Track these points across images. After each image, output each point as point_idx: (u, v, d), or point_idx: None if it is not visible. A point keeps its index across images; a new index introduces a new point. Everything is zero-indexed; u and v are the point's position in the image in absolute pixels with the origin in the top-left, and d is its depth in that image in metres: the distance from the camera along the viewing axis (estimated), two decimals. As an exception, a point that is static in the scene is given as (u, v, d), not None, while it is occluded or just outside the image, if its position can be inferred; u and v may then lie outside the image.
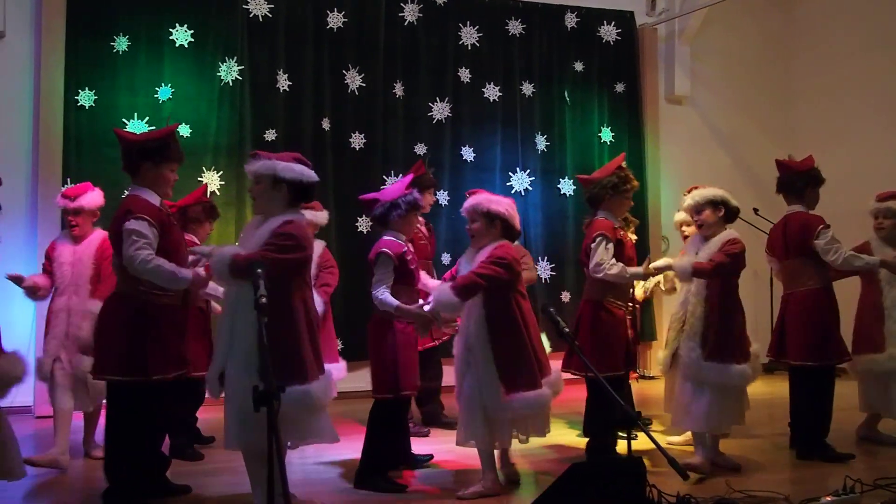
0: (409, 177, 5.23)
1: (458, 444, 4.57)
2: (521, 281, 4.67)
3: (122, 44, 7.20)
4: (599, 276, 4.99)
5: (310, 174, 4.14)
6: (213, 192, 7.20)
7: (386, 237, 4.74)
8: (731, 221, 5.24)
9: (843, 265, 5.36)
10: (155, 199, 4.32)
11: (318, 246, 5.88)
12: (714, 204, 5.16)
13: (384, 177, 8.00)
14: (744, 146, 9.75)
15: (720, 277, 4.99)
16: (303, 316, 3.98)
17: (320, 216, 5.97)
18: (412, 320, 4.65)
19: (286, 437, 3.91)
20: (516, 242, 5.66)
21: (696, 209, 5.21)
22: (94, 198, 5.28)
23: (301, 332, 3.95)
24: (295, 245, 3.95)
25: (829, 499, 4.14)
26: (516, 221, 4.69)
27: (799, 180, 5.63)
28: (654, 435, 3.60)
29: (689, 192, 5.43)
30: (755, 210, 9.06)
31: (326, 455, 5.39)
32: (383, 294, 4.59)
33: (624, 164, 5.44)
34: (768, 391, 7.88)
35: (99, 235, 5.24)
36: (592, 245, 5.03)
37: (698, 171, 9.30)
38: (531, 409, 4.48)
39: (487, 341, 4.44)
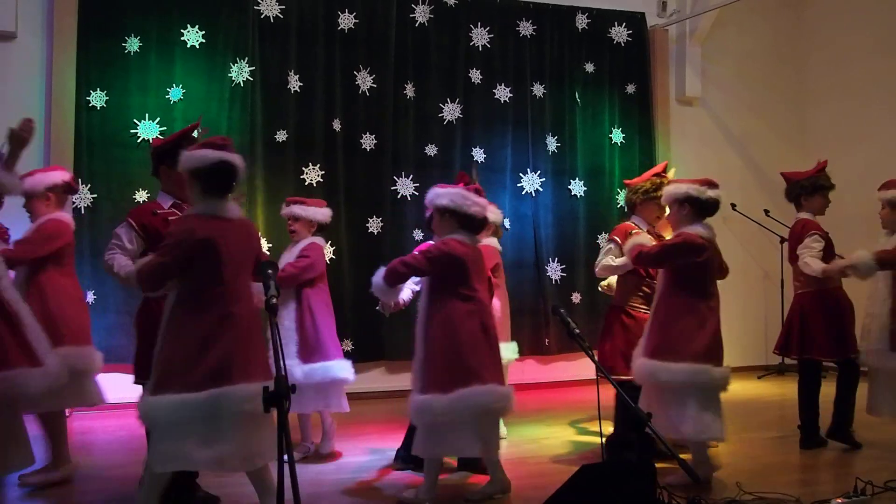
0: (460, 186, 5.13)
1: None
2: (473, 281, 4.42)
3: (133, 45, 7.22)
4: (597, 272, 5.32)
5: (208, 157, 3.80)
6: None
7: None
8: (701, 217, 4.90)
9: (804, 269, 5.46)
10: (166, 202, 4.33)
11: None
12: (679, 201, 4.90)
13: (395, 178, 8.01)
14: (755, 147, 9.72)
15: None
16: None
17: (319, 213, 5.66)
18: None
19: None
20: (497, 247, 5.64)
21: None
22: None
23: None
24: (171, 244, 3.73)
25: (840, 501, 4.13)
26: (474, 209, 4.48)
27: (794, 190, 5.74)
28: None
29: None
30: (766, 212, 9.05)
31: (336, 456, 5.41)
32: None
33: (664, 172, 5.49)
34: (779, 392, 7.87)
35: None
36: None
37: (709, 172, 9.13)
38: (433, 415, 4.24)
39: (421, 339, 4.40)
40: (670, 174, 5.62)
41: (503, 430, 5.69)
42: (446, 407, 4.18)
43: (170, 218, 4.27)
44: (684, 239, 4.76)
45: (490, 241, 5.56)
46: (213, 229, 3.76)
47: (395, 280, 4.41)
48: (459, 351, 4.27)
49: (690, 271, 4.76)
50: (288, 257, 5.43)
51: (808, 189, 5.69)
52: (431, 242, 4.78)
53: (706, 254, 4.77)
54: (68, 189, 5.10)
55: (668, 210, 5.26)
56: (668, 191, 4.98)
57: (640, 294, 5.30)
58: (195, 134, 4.54)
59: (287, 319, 5.25)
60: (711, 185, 4.88)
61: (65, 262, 4.89)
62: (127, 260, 4.13)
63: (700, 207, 4.83)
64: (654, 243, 4.99)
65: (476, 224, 4.53)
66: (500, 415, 4.45)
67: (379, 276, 4.41)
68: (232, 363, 3.65)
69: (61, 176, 5.00)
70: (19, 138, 3.96)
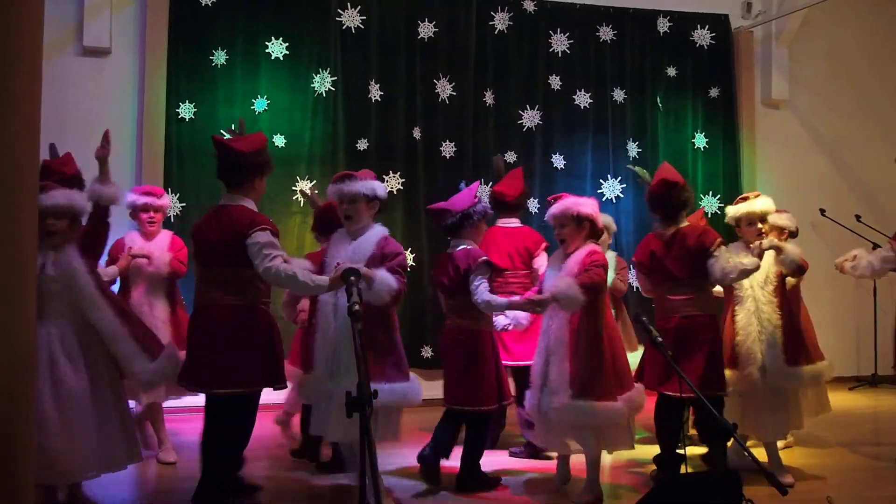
0: (476, 185, 5.22)
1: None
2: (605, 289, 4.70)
3: (220, 57, 7.42)
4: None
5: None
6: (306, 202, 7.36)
7: (465, 246, 4.82)
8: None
9: None
10: (254, 209, 4.45)
11: None
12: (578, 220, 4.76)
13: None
14: (847, 151, 9.42)
15: None
16: None
17: None
18: (529, 309, 4.75)
19: None
20: (614, 253, 5.68)
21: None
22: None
23: None
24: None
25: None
26: (600, 221, 4.77)
27: None
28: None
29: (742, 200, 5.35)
30: (857, 217, 8.77)
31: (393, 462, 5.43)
32: (490, 296, 4.67)
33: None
34: (872, 404, 7.62)
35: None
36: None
37: (797, 176, 9.07)
38: (597, 420, 4.43)
39: (566, 345, 4.47)
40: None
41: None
42: (622, 410, 4.49)
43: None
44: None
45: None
46: None
47: (592, 295, 4.44)
48: (615, 360, 4.60)
49: None
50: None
51: None
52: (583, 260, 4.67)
53: None
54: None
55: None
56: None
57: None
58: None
59: None
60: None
61: None
62: (303, 269, 4.32)
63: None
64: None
65: (599, 234, 4.81)
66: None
67: (573, 286, 4.36)
68: None
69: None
70: (99, 157, 4.47)
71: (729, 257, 4.82)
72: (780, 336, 4.95)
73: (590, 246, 4.63)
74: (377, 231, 4.58)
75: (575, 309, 4.42)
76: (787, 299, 5.16)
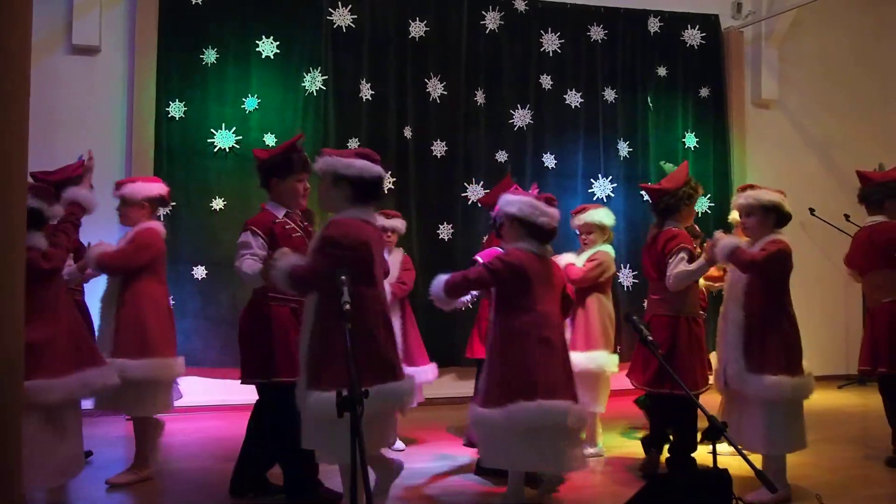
0: (535, 189, 5.09)
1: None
2: (536, 292, 4.35)
3: (210, 56, 7.40)
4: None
5: (371, 169, 3.97)
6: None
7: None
8: (780, 227, 4.77)
9: None
10: (279, 212, 4.46)
11: (398, 254, 6.04)
12: (765, 210, 4.72)
13: (465, 184, 8.03)
14: (836, 151, 9.47)
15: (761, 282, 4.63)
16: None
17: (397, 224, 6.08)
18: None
19: None
20: (611, 252, 5.67)
21: (746, 211, 4.80)
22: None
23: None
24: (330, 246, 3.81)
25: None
26: (542, 220, 4.42)
27: (877, 192, 5.52)
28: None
29: (741, 190, 5.08)
30: (846, 216, 8.80)
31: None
32: None
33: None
34: (861, 403, 7.65)
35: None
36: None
37: (787, 176, 9.07)
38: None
39: (486, 351, 4.52)
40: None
41: (597, 447, 5.68)
42: (499, 421, 4.14)
43: (286, 227, 4.44)
44: (781, 248, 4.58)
45: (604, 248, 5.68)
46: (368, 233, 3.92)
47: (457, 293, 4.38)
48: (512, 365, 4.22)
49: (785, 280, 4.67)
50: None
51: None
52: (498, 249, 4.80)
53: (790, 263, 4.65)
54: (162, 202, 5.33)
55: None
56: (756, 196, 4.77)
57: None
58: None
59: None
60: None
61: (158, 270, 5.06)
62: (255, 261, 4.24)
63: (781, 217, 4.73)
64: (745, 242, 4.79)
65: (545, 234, 4.44)
66: (560, 430, 4.17)
67: (438, 285, 4.35)
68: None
69: (159, 189, 5.20)
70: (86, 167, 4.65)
71: (680, 262, 4.84)
72: (741, 338, 4.58)
73: (773, 234, 4.67)
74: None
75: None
76: (768, 300, 4.61)
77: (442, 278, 4.38)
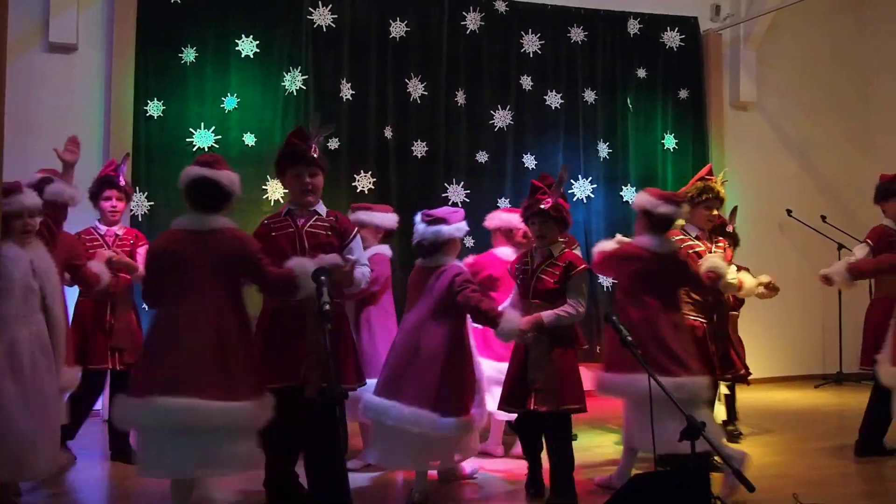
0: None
1: None
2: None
3: (189, 55, 7.35)
4: None
5: (191, 172, 4.11)
6: (276, 201, 7.31)
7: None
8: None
9: None
10: (286, 209, 4.42)
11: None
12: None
13: (446, 185, 8.03)
14: (814, 153, 9.54)
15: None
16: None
17: (386, 219, 5.85)
18: None
19: None
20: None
21: None
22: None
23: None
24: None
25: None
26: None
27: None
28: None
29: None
30: (823, 218, 8.89)
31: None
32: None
33: (709, 175, 5.44)
34: (837, 402, 7.71)
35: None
36: None
37: (765, 177, 9.17)
38: None
39: None
40: (719, 177, 5.55)
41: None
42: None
43: (265, 223, 4.41)
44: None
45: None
46: (174, 242, 4.01)
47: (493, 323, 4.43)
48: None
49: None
50: None
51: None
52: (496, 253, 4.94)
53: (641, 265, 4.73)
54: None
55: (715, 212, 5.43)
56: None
57: (689, 302, 5.26)
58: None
59: None
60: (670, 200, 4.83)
61: None
62: None
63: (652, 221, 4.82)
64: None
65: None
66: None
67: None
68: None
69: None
70: (69, 161, 4.60)
71: None
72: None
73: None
74: None
75: None
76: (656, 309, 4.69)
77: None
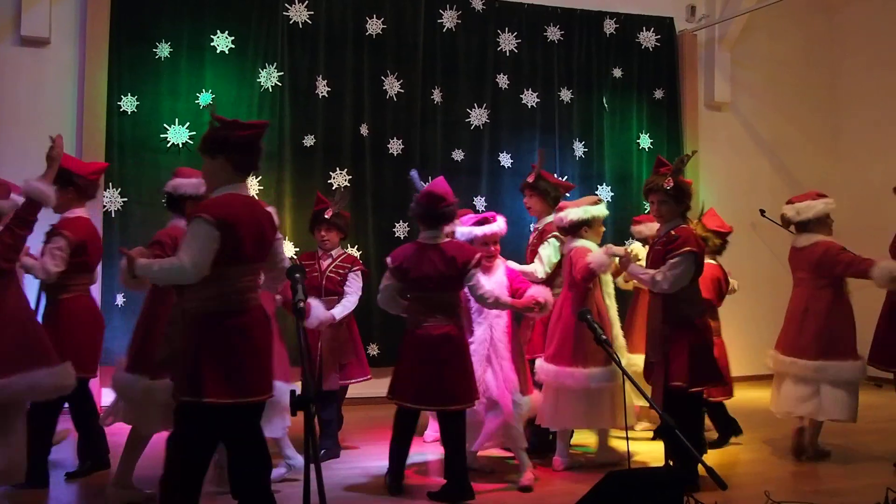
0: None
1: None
2: None
3: (164, 50, 7.29)
4: None
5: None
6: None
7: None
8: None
9: None
10: None
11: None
12: None
13: (422, 182, 7.99)
14: (786, 153, 9.64)
15: None
16: None
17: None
18: None
19: None
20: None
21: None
22: None
23: None
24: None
25: (870, 511, 4.07)
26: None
27: None
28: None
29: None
30: (762, 211, 8.91)
31: (354, 463, 5.42)
32: None
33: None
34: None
35: None
36: None
37: (738, 177, 9.25)
38: None
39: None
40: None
41: None
42: None
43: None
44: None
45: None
46: None
47: None
48: None
49: None
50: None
51: None
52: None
53: None
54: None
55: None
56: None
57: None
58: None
59: None
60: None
61: None
62: None
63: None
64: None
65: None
66: None
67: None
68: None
69: None
70: (53, 157, 4.32)
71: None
72: None
73: None
74: None
75: None
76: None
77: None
